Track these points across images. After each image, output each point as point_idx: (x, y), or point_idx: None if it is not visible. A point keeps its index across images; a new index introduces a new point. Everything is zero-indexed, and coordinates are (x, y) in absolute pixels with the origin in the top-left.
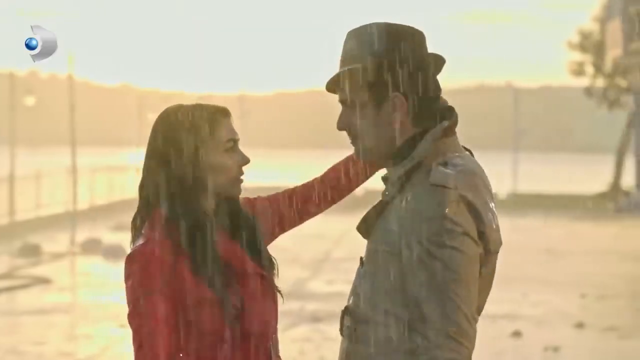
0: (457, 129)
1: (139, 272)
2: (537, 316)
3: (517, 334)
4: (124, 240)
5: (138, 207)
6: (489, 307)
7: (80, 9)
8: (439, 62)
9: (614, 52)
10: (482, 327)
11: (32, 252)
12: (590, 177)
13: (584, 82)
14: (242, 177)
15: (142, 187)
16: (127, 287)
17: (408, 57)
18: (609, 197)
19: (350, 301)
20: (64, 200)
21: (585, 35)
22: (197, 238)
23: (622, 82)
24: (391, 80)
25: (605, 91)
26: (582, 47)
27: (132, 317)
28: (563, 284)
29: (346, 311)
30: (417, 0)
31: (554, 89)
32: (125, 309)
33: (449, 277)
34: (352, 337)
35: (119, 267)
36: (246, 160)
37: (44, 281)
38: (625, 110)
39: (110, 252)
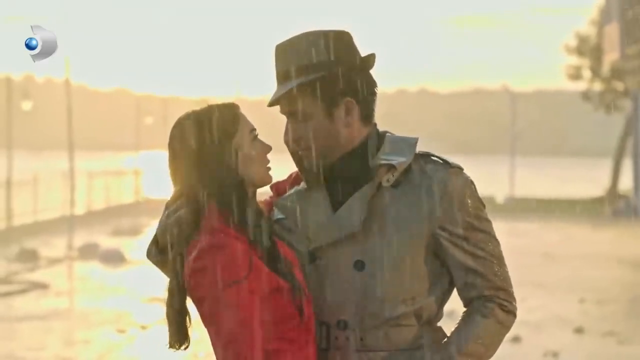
0: (452, 133)
1: (220, 262)
2: (536, 321)
3: (516, 339)
4: (122, 245)
5: (188, 210)
6: None
7: (75, 13)
8: (372, 58)
9: (611, 56)
10: None
11: (30, 257)
12: (587, 181)
13: (580, 86)
14: (269, 165)
15: (186, 189)
16: (202, 281)
17: (351, 61)
18: (606, 201)
19: (344, 314)
20: (61, 204)
21: (582, 39)
22: (260, 229)
23: (619, 86)
24: (342, 87)
25: (602, 95)
26: (580, 51)
27: (216, 310)
28: (561, 289)
29: (340, 325)
30: (414, 4)
31: (550, 92)
32: (123, 314)
33: (496, 245)
34: (357, 346)
35: (117, 272)
36: (269, 148)
37: (41, 286)
38: (622, 114)
39: (108, 257)
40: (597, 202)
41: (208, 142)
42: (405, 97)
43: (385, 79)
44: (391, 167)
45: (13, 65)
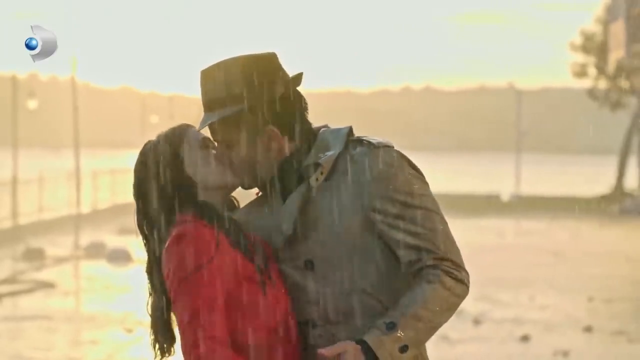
0: (457, 130)
1: (187, 248)
2: (545, 320)
3: (525, 338)
4: (128, 244)
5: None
6: (496, 311)
7: (80, 12)
8: (298, 79)
9: (616, 54)
10: (490, 330)
11: (36, 256)
12: (593, 178)
13: (586, 83)
14: (220, 167)
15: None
16: (170, 269)
17: (272, 89)
18: (612, 199)
19: (310, 313)
20: (67, 203)
21: (588, 37)
22: (229, 221)
23: (625, 84)
24: (263, 117)
25: (608, 93)
26: (585, 48)
27: (181, 294)
28: (570, 287)
29: (310, 324)
30: (419, 1)
31: (555, 90)
32: (130, 314)
33: (436, 219)
34: (330, 342)
35: (124, 271)
36: (215, 152)
37: (47, 286)
38: (628, 111)
39: (115, 256)
40: (603, 200)
41: (154, 163)
42: (410, 94)
43: (391, 77)
44: (318, 165)
45: (19, 63)
